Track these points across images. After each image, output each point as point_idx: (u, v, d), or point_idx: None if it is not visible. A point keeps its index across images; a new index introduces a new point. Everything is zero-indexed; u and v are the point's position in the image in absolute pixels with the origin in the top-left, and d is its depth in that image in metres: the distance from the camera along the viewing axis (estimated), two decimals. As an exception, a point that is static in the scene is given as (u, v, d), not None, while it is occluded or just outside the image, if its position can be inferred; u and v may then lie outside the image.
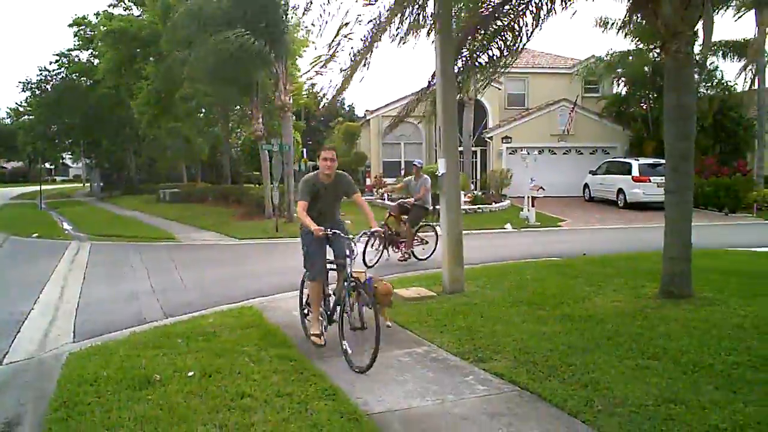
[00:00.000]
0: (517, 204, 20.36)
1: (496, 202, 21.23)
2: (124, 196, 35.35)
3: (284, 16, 18.07)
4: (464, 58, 8.45)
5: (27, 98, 40.81)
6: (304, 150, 24.86)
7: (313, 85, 23.81)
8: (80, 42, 36.38)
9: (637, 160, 21.40)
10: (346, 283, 5.07)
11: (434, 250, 10.69)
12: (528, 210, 17.74)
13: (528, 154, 20.07)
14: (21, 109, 43.91)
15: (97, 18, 33.76)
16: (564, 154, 26.02)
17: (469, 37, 8.29)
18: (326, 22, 7.61)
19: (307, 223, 5.12)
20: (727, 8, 21.25)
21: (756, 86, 21.85)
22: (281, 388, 4.33)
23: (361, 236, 5.62)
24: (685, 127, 6.72)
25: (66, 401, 4.17)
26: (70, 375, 4.77)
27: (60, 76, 38.27)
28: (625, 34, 22.30)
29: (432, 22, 7.26)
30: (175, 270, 10.75)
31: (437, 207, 8.96)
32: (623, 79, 25.93)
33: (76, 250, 13.61)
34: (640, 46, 23.24)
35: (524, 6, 7.82)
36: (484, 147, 26.59)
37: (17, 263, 12.42)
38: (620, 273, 8.51)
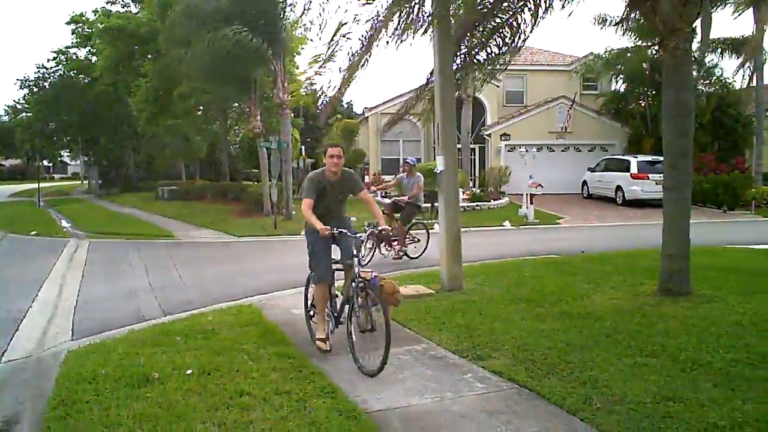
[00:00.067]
0: (516, 201, 20.39)
1: (494, 200, 21.25)
2: (123, 194, 35.30)
3: (282, 14, 18.04)
4: (462, 56, 8.44)
5: (25, 96, 40.74)
6: (303, 147, 24.85)
7: (312, 84, 23.76)
8: (78, 39, 36.24)
9: (636, 157, 21.40)
10: (354, 284, 4.90)
11: (425, 248, 10.71)
12: (527, 207, 17.75)
13: (526, 151, 20.07)
14: (19, 106, 43.89)
15: (95, 15, 33.64)
16: (562, 151, 26.02)
17: (468, 35, 8.28)
18: (325, 22, 7.60)
19: (312, 222, 4.98)
20: (726, 5, 21.25)
21: (754, 83, 21.87)
22: (280, 386, 4.32)
23: (369, 234, 5.47)
24: (684, 124, 6.72)
25: (64, 399, 4.16)
26: (68, 373, 4.76)
27: (58, 74, 38.17)
28: (624, 32, 22.27)
29: (430, 20, 7.23)
30: (173, 268, 10.74)
31: (436, 204, 8.95)
32: (622, 76, 25.94)
33: (75, 247, 13.59)
34: (639, 43, 23.20)
35: (523, 3, 7.81)
36: (483, 144, 26.58)
37: (15, 261, 12.41)
38: (619, 270, 8.52)
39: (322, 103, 21.01)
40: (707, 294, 6.76)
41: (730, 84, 23.55)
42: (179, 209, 22.80)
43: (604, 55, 24.90)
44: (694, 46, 17.25)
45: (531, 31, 7.89)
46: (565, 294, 7.03)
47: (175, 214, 21.44)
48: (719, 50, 22.44)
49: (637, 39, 22.93)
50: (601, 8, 39.12)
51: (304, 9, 14.79)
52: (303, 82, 24.09)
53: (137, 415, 3.85)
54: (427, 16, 7.22)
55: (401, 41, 7.47)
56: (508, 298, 6.96)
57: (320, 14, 7.66)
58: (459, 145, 20.14)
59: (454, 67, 8.12)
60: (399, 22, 7.29)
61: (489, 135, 25.87)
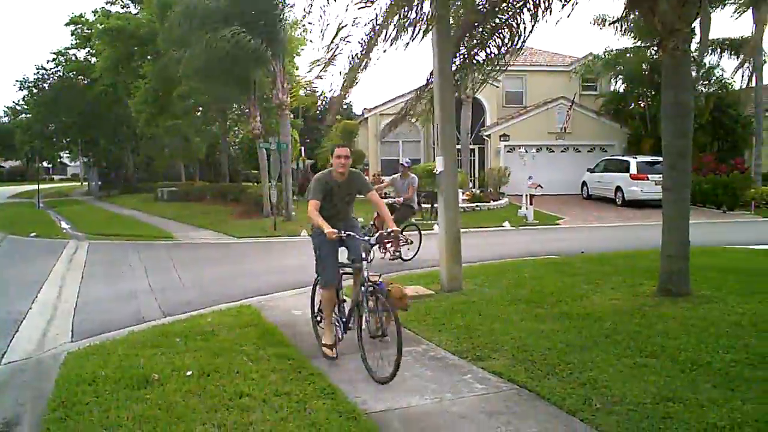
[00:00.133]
0: (516, 202, 20.39)
1: (494, 200, 21.26)
2: (122, 195, 35.29)
3: (281, 15, 18.04)
4: (462, 56, 8.43)
5: (24, 97, 40.72)
6: (302, 148, 24.84)
7: (314, 87, 23.75)
8: (77, 40, 36.25)
9: (635, 157, 21.41)
10: (363, 288, 4.77)
11: (418, 249, 10.71)
12: (526, 208, 17.76)
13: (526, 152, 20.08)
14: (18, 107, 43.86)
15: (94, 16, 33.67)
16: (562, 151, 26.03)
17: (467, 35, 8.27)
18: (327, 24, 7.53)
19: (319, 223, 4.83)
20: (725, 6, 21.28)
21: (753, 84, 21.87)
22: (279, 387, 4.32)
23: (378, 237, 5.37)
24: (683, 125, 6.72)
25: (64, 401, 4.16)
26: (68, 375, 4.76)
27: (57, 75, 38.17)
28: (623, 32, 22.30)
29: (428, 20, 7.21)
30: (173, 269, 10.74)
31: (436, 205, 8.95)
32: (621, 76, 25.94)
33: (74, 249, 13.59)
34: (638, 43, 23.24)
35: (522, 3, 7.81)
36: (482, 145, 26.59)
37: (15, 262, 12.40)
38: (618, 271, 8.52)
39: (325, 104, 21.00)
40: (707, 294, 6.75)
41: (729, 84, 23.57)
42: (179, 210, 22.80)
43: (603, 56, 24.92)
44: (694, 46, 17.30)
45: (530, 32, 7.89)
46: (565, 295, 7.03)
47: (174, 215, 21.43)
48: (718, 50, 22.46)
49: (637, 39, 22.99)
50: (600, 8, 39.14)
51: (305, 12, 14.73)
52: (303, 83, 24.10)
53: (137, 417, 3.85)
54: (427, 18, 7.20)
55: (405, 45, 7.43)
56: (508, 298, 6.95)
57: (321, 17, 7.62)
58: (458, 146, 20.14)
59: (454, 68, 8.12)
60: (398, 23, 7.27)
61: (488, 136, 25.88)
